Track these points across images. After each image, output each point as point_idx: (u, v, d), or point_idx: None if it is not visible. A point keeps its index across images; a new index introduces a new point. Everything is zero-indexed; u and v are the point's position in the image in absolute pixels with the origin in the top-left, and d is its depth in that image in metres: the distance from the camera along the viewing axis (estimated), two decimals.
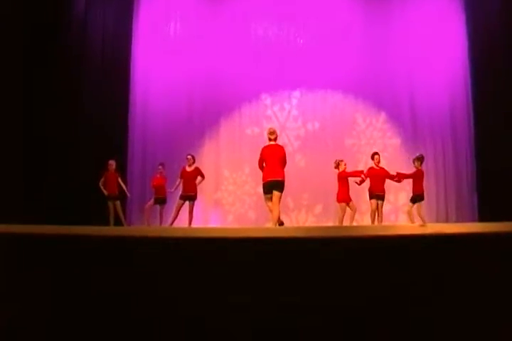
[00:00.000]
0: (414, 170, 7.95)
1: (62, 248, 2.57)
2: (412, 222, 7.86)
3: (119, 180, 8.54)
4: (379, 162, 8.06)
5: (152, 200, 8.77)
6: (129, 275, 2.45)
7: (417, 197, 7.79)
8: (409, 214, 7.92)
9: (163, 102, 9.86)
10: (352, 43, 9.83)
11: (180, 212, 8.14)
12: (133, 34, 9.94)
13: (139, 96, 9.91)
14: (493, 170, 8.51)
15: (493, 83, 8.84)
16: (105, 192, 8.38)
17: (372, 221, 7.91)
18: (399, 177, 7.94)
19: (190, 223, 8.24)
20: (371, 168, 8.08)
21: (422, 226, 6.79)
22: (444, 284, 2.41)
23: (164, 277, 2.45)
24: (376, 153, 8.21)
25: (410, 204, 7.88)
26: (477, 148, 9.23)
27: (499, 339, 2.34)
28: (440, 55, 9.70)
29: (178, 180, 8.32)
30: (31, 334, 2.41)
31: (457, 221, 8.98)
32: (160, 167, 8.86)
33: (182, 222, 8.28)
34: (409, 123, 9.74)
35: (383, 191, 7.99)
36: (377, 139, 9.79)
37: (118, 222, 8.46)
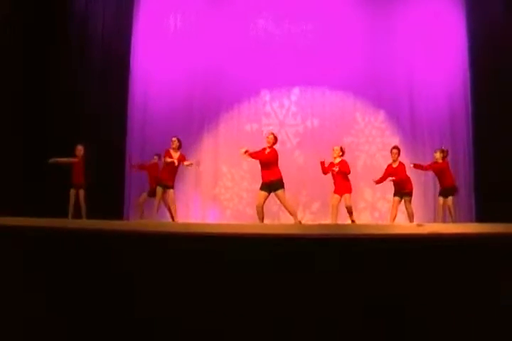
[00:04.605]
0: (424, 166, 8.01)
1: (56, 242, 2.54)
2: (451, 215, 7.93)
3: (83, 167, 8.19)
4: (396, 157, 7.99)
5: (145, 193, 8.71)
6: (124, 273, 2.43)
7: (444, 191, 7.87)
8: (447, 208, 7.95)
9: (163, 97, 9.83)
10: (352, 41, 9.81)
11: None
12: (133, 29, 9.90)
13: (137, 91, 9.87)
14: (491, 170, 8.53)
15: (492, 83, 8.84)
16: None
17: (392, 219, 7.94)
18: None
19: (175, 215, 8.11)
20: (388, 165, 8.07)
21: (419, 225, 6.80)
22: (440, 286, 2.41)
23: (160, 275, 2.43)
24: (394, 147, 8.14)
25: (451, 198, 7.88)
26: (475, 148, 9.25)
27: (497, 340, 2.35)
28: (440, 54, 9.70)
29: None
30: (26, 333, 2.40)
31: (454, 221, 8.99)
32: (155, 157, 8.78)
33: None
34: (408, 122, 9.74)
35: (409, 188, 7.94)
36: (376, 138, 9.80)
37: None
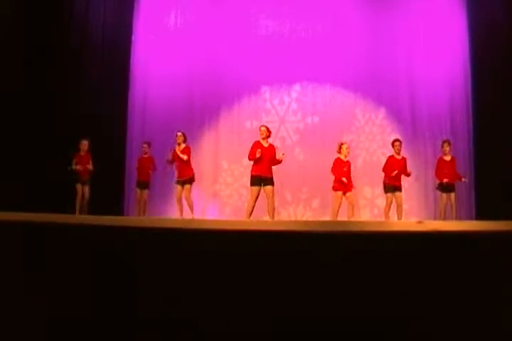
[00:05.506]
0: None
1: (55, 238, 2.53)
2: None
3: (91, 161, 8.23)
4: (400, 150, 7.97)
5: (137, 189, 8.72)
6: (125, 271, 2.43)
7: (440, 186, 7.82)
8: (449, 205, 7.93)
9: (163, 94, 9.83)
10: (353, 38, 9.80)
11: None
12: (133, 26, 9.91)
13: (138, 88, 9.88)
14: (492, 167, 8.53)
15: (493, 81, 8.84)
16: (75, 168, 8.03)
17: (386, 216, 7.90)
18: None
19: (191, 210, 8.13)
20: (391, 157, 8.03)
21: (419, 223, 6.80)
22: (441, 284, 2.41)
23: (160, 274, 2.42)
24: (397, 140, 8.13)
25: (453, 194, 7.91)
26: (476, 145, 9.25)
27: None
28: (441, 52, 9.70)
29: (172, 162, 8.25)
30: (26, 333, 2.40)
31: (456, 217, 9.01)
32: (145, 145, 8.75)
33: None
34: (408, 119, 9.75)
35: (399, 181, 7.89)
36: (376, 135, 9.80)
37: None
